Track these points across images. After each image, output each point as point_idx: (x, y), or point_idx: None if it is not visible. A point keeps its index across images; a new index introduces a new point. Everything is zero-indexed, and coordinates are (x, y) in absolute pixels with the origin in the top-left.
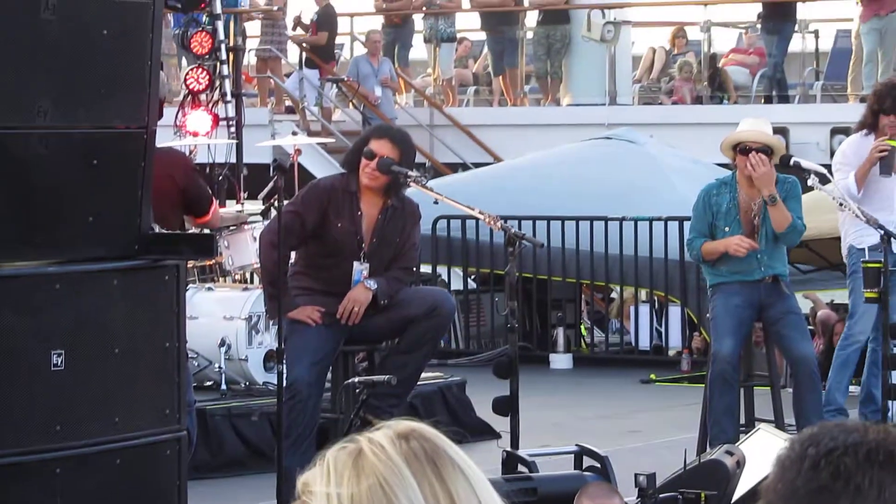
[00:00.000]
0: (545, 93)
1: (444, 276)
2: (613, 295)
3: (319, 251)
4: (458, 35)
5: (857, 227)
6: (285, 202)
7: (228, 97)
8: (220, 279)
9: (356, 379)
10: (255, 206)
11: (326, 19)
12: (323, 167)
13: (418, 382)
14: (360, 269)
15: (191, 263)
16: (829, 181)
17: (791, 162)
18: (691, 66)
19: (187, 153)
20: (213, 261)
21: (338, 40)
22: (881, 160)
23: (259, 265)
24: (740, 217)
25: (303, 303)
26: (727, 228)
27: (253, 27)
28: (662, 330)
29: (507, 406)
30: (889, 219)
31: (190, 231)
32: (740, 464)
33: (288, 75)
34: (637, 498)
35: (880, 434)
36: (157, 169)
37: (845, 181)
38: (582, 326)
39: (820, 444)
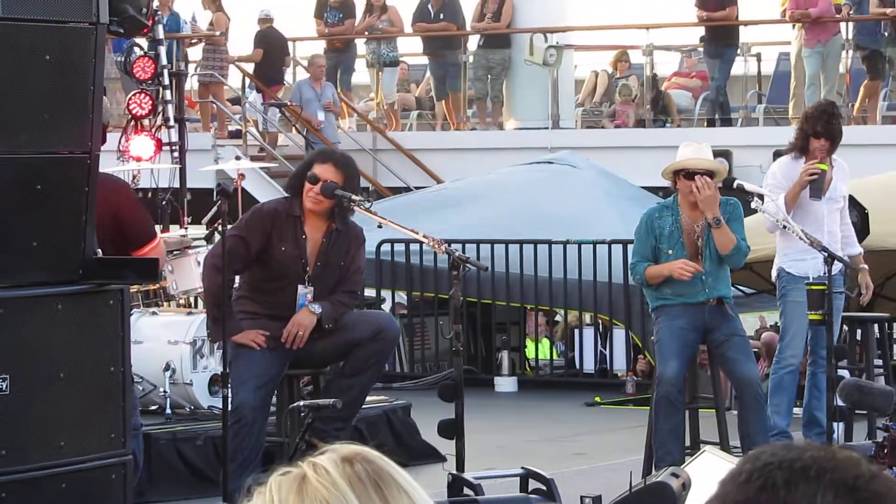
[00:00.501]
0: (484, 116)
1: (389, 300)
2: (557, 318)
3: (264, 275)
4: (401, 59)
5: (792, 253)
6: (229, 226)
7: (171, 122)
8: (165, 303)
9: (301, 403)
10: (199, 230)
11: (263, 39)
12: (266, 191)
13: (363, 406)
14: (304, 292)
15: (135, 288)
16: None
17: (734, 185)
18: (630, 90)
19: (130, 178)
20: (158, 285)
21: None
22: (811, 183)
23: (203, 289)
24: (683, 239)
25: (247, 326)
26: (670, 251)
27: (194, 52)
28: (607, 353)
29: (452, 429)
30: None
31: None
32: (686, 486)
33: (232, 100)
34: None
35: (820, 452)
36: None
37: (775, 203)
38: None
39: (758, 460)
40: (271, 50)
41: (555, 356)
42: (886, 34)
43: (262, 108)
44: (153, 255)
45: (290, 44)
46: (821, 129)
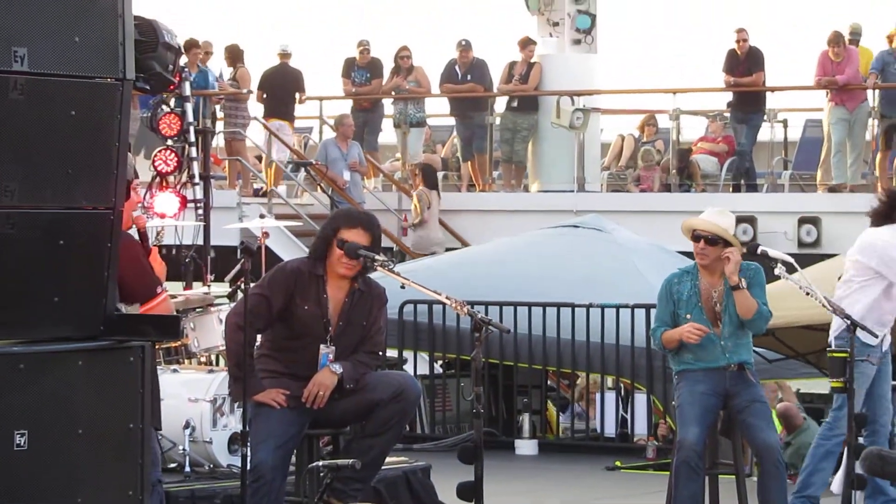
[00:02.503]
0: (509, 179)
1: (411, 361)
2: (579, 381)
3: (285, 334)
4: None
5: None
6: (252, 284)
7: (197, 179)
8: (186, 361)
9: (320, 463)
10: (222, 288)
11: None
12: (290, 250)
13: (383, 467)
14: (326, 352)
15: (157, 346)
16: (795, 270)
17: (758, 251)
18: (652, 155)
19: (155, 234)
20: (179, 342)
21: (307, 123)
22: None
23: (225, 348)
24: (702, 304)
25: (268, 385)
26: (688, 316)
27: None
28: (628, 417)
29: (471, 492)
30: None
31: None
32: None
33: (258, 157)
34: None
35: None
36: None
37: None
38: (549, 412)
39: None
40: (279, 85)
41: (575, 421)
42: None
43: (288, 168)
44: (161, 308)
45: (318, 102)
46: None
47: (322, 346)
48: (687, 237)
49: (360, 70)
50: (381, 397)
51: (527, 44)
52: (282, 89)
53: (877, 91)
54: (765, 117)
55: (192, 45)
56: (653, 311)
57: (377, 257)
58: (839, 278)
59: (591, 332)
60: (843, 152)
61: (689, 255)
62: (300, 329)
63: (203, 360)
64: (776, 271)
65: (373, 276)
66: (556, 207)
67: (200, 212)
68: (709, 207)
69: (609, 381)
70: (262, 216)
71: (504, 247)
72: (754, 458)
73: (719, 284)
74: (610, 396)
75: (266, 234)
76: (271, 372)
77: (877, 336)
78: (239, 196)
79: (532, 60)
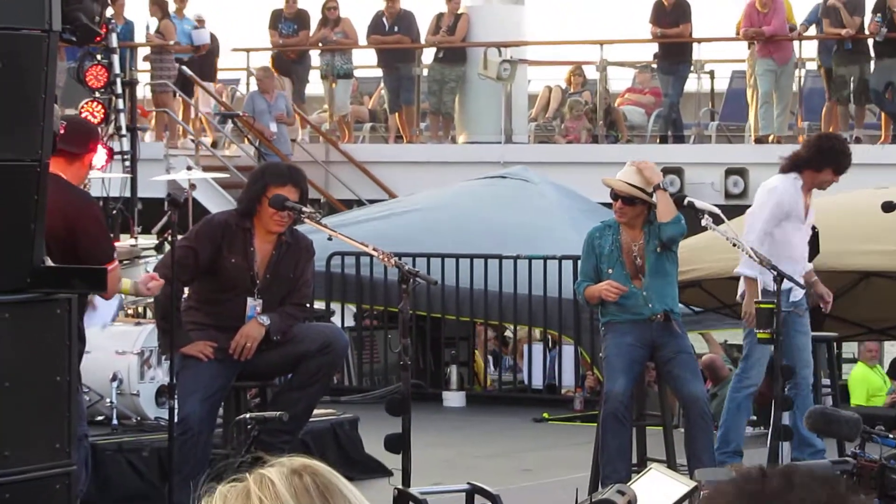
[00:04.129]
0: (437, 130)
1: (339, 313)
2: (507, 333)
3: (213, 286)
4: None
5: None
6: (179, 237)
7: (123, 131)
8: None
9: (247, 415)
10: (149, 240)
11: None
12: (217, 202)
13: (310, 419)
14: (253, 304)
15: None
16: (722, 221)
17: (685, 202)
18: (581, 105)
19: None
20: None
21: (234, 75)
22: (757, 318)
23: (153, 300)
24: (623, 258)
25: (196, 338)
26: (610, 270)
27: (141, 61)
28: (556, 369)
29: (399, 444)
30: (794, 268)
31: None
32: (632, 503)
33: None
34: None
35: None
36: (51, 204)
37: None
38: (479, 359)
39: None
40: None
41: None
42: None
43: (215, 119)
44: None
45: (244, 54)
46: (832, 164)
47: (249, 299)
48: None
49: (287, 21)
50: (309, 349)
51: None
52: (200, 59)
53: (803, 41)
54: (692, 68)
55: None
56: (579, 265)
57: (304, 209)
58: None
59: (518, 284)
60: (770, 103)
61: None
62: (227, 282)
63: (130, 312)
64: (703, 222)
65: (300, 228)
66: (484, 159)
67: (127, 164)
68: (628, 162)
69: (537, 332)
70: (189, 168)
71: (431, 198)
72: (681, 410)
73: (640, 238)
74: (537, 348)
75: (193, 186)
76: (198, 324)
77: (802, 287)
78: (166, 148)
79: (459, 12)
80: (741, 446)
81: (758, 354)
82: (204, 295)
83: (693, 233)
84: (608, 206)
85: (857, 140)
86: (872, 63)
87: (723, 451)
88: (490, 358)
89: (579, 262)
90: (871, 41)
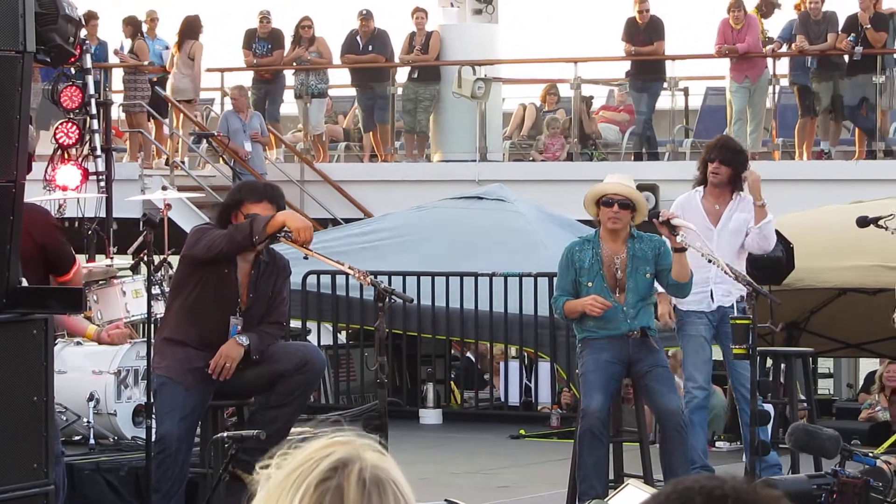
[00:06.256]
0: (411, 149)
1: (315, 332)
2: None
3: (197, 302)
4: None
5: None
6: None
7: (98, 151)
8: None
9: (225, 434)
10: (125, 260)
11: None
12: (193, 221)
13: (288, 437)
14: (235, 323)
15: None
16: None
17: (661, 218)
18: (558, 123)
19: (56, 207)
20: (82, 315)
21: (208, 95)
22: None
23: (223, 244)
24: (603, 272)
25: (174, 355)
26: (590, 284)
27: (117, 81)
28: (532, 386)
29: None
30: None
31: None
32: None
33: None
34: None
35: (742, 485)
36: None
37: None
38: (453, 382)
39: (680, 484)
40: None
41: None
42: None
43: (190, 139)
44: (76, 281)
45: (219, 74)
46: (714, 155)
47: (231, 318)
48: (589, 208)
49: (262, 41)
50: (286, 368)
51: (415, 11)
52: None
53: (777, 59)
54: (665, 85)
55: (91, 16)
56: (556, 280)
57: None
58: None
59: (494, 302)
60: (744, 120)
61: (590, 223)
62: (214, 294)
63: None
64: (678, 238)
65: (275, 247)
66: (459, 177)
67: (102, 184)
68: (608, 175)
69: (512, 350)
70: (164, 188)
71: (407, 217)
72: (657, 424)
73: (622, 251)
74: (513, 365)
75: (168, 206)
76: (178, 342)
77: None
78: (141, 168)
79: (430, 29)
80: (706, 461)
81: (690, 369)
82: (186, 311)
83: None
84: (585, 222)
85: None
86: (846, 79)
87: (695, 467)
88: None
89: (556, 276)
90: (846, 57)
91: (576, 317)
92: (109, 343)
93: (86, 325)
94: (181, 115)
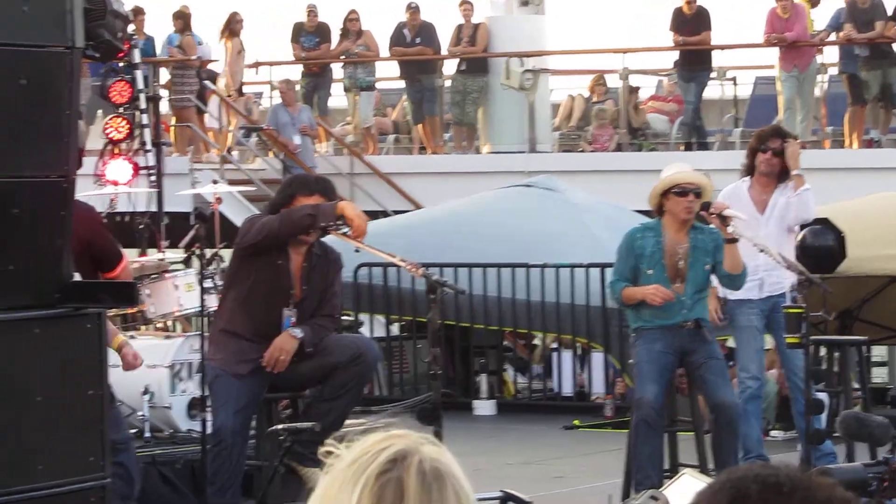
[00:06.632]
0: (460, 141)
1: (367, 324)
2: (536, 341)
3: (251, 293)
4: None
5: None
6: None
7: (148, 146)
8: (143, 327)
9: (280, 426)
10: (176, 254)
11: None
12: (243, 215)
13: (342, 429)
14: (289, 315)
15: (112, 312)
16: (749, 228)
17: (711, 208)
18: (606, 113)
19: (108, 202)
20: (136, 309)
21: (257, 89)
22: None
23: (276, 229)
24: (665, 261)
25: (228, 347)
26: (650, 271)
27: (164, 76)
28: (585, 376)
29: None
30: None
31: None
32: None
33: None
34: None
35: (797, 472)
36: None
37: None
38: (505, 374)
39: (735, 473)
40: None
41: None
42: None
43: (240, 133)
44: (125, 276)
45: (268, 68)
46: (767, 145)
47: (285, 310)
48: (653, 198)
49: (309, 35)
50: (340, 360)
51: (462, 3)
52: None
53: (835, 47)
54: (713, 75)
55: (138, 11)
56: (607, 271)
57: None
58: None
59: (545, 292)
60: (794, 109)
61: (642, 213)
62: (267, 285)
63: (159, 326)
64: (729, 229)
65: (328, 240)
66: (508, 168)
67: (153, 179)
68: (667, 166)
69: (566, 340)
70: (214, 182)
71: (457, 208)
72: (711, 415)
73: (685, 242)
74: (566, 356)
75: (219, 200)
76: (231, 334)
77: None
78: (191, 162)
79: (477, 21)
80: (761, 450)
81: (743, 360)
82: (240, 303)
83: None
84: (636, 212)
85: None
86: None
87: (748, 457)
88: (510, 368)
89: (608, 268)
90: (895, 45)
91: (632, 303)
92: (122, 359)
93: (115, 332)
94: (230, 109)
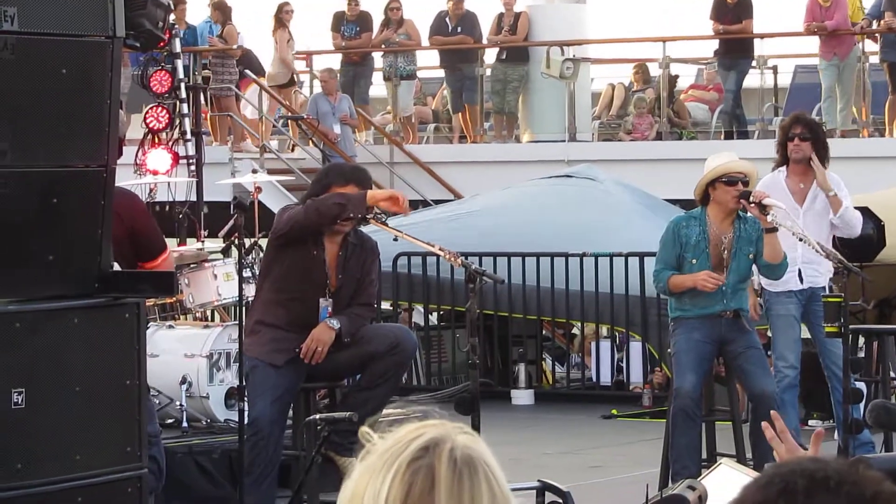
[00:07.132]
0: (500, 129)
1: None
2: (574, 331)
3: (287, 282)
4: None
5: None
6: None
7: (188, 135)
8: (181, 317)
9: (317, 416)
10: (216, 243)
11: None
12: (282, 204)
13: (380, 419)
14: (325, 305)
15: (151, 301)
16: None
17: (751, 197)
18: (645, 102)
19: (147, 191)
20: (174, 299)
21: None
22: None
23: (312, 216)
24: (709, 250)
25: (266, 337)
26: (694, 261)
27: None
28: (623, 365)
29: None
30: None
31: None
32: (702, 499)
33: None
34: None
35: (844, 466)
36: None
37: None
38: (543, 363)
39: (783, 467)
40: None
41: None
42: None
43: (279, 121)
44: (166, 267)
45: (311, 58)
46: (792, 133)
47: (321, 300)
48: (699, 188)
49: (350, 24)
50: (377, 350)
51: None
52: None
53: (878, 35)
54: (754, 63)
55: (179, 1)
56: (647, 260)
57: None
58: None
59: (584, 282)
60: (834, 97)
61: (683, 202)
62: (303, 275)
63: (198, 315)
64: (769, 217)
65: (366, 229)
66: (548, 157)
67: (193, 168)
68: (711, 156)
69: (604, 329)
70: (254, 171)
71: (497, 198)
72: (749, 405)
73: (729, 231)
74: (605, 345)
75: (259, 189)
76: (268, 324)
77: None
78: (230, 152)
79: (518, 10)
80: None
81: (779, 349)
82: (275, 293)
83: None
84: (673, 202)
85: None
86: None
87: None
88: (549, 357)
89: (648, 257)
90: None
91: (680, 291)
92: None
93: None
94: (271, 99)
